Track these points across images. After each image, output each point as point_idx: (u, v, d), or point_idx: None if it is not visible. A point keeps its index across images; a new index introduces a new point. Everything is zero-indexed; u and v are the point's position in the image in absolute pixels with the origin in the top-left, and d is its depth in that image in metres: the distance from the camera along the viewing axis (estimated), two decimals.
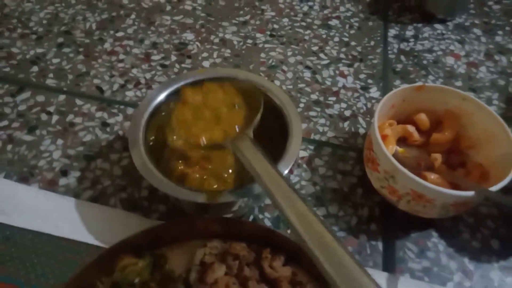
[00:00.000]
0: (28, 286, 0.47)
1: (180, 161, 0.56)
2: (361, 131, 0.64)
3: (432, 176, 0.53)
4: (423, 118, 0.58)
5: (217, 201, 0.45)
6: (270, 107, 0.54)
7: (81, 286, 0.44)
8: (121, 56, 0.72)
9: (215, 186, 0.49)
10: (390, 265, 0.50)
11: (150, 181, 0.46)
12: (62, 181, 0.56)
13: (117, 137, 0.61)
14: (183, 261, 0.48)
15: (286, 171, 0.47)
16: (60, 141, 0.60)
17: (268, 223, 0.54)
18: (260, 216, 0.54)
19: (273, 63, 0.73)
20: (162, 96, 0.53)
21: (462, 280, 0.49)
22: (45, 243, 0.50)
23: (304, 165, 0.59)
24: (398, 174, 0.48)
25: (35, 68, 0.70)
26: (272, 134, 0.53)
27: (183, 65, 0.72)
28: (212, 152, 0.57)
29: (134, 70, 0.70)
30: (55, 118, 0.63)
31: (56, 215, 0.52)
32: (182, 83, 0.54)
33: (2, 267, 0.48)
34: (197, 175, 0.55)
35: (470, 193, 0.45)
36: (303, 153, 0.61)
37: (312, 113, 0.66)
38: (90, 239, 0.50)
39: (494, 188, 0.46)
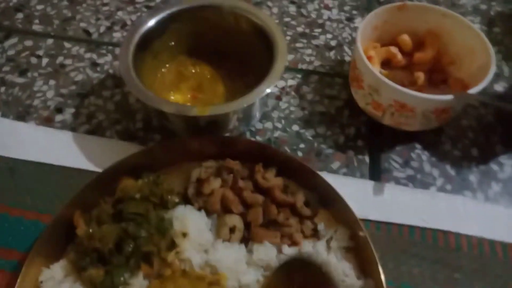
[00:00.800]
0: (35, 209, 0.49)
1: (171, 92, 0.58)
2: (347, 59, 0.66)
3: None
4: (405, 38, 0.59)
5: (207, 113, 0.46)
6: (256, 31, 0.55)
7: (84, 203, 0.46)
8: (106, 0, 0.72)
9: None
10: (376, 175, 0.53)
11: (141, 98, 0.47)
12: (58, 117, 0.57)
13: (108, 76, 0.62)
14: (180, 181, 0.51)
15: (269, 90, 0.49)
16: (52, 82, 0.61)
17: None
18: (252, 139, 0.56)
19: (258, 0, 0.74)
20: (151, 22, 0.54)
21: (444, 184, 0.53)
22: (47, 172, 0.52)
23: (293, 93, 0.61)
24: (381, 86, 0.50)
25: (20, 15, 0.69)
26: (261, 61, 0.54)
27: None
28: (203, 82, 0.59)
29: (120, 13, 0.71)
30: (45, 61, 0.64)
31: (56, 147, 0.54)
32: (168, 11, 0.55)
33: (8, 195, 0.50)
34: (189, 104, 0.57)
35: (449, 96, 0.47)
36: (291, 82, 0.63)
37: (298, 45, 0.67)
38: (90, 167, 0.52)
39: (472, 91, 0.48)
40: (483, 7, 0.73)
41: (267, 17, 0.55)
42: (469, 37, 0.55)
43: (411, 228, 0.49)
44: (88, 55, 0.64)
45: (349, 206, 0.45)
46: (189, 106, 0.48)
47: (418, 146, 0.56)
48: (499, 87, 0.62)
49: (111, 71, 0.63)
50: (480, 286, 0.46)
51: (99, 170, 0.52)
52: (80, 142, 0.54)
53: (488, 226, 0.49)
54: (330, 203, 0.48)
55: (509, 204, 0.51)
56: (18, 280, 0.41)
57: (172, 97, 0.56)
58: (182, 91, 0.58)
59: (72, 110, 0.58)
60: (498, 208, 0.51)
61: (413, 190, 0.52)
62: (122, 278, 0.41)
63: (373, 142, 0.56)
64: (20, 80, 0.61)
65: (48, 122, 0.57)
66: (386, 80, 0.49)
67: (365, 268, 0.44)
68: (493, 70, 0.50)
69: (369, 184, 0.52)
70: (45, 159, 0.53)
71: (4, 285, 0.44)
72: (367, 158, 0.55)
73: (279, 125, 0.58)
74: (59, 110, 0.58)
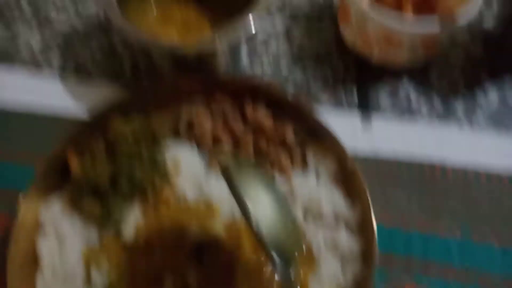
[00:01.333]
0: (27, 155, 0.50)
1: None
2: (336, 1, 0.65)
3: None
4: None
5: (195, 49, 0.46)
6: None
7: (76, 144, 0.47)
8: None
9: None
10: (364, 108, 0.54)
11: (128, 34, 0.47)
12: (45, 63, 0.57)
13: (94, 24, 0.61)
14: (170, 121, 0.51)
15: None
16: (35, 27, 0.60)
17: None
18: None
19: None
20: None
21: (430, 114, 0.54)
22: (35, 119, 0.52)
23: (281, 36, 0.60)
24: (368, 17, 0.50)
25: None
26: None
27: None
28: (190, 24, 0.58)
29: None
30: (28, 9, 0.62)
31: (43, 92, 0.54)
32: None
33: None
34: None
35: (435, 22, 0.47)
36: (279, 26, 0.62)
37: None
38: (79, 113, 0.52)
39: (461, 19, 0.48)
40: None
41: None
42: None
43: (398, 161, 0.50)
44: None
45: (337, 137, 0.46)
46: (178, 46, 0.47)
47: (405, 80, 0.56)
48: (487, 24, 0.62)
49: (96, 19, 0.61)
50: (464, 211, 0.48)
51: (87, 114, 0.52)
52: (68, 87, 0.54)
53: (473, 156, 0.50)
54: (319, 135, 0.49)
55: (494, 133, 0.53)
56: (18, 219, 0.42)
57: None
58: (168, 33, 0.57)
59: (58, 56, 0.57)
60: (483, 138, 0.52)
61: (400, 123, 0.53)
62: (118, 211, 0.42)
63: (362, 80, 0.56)
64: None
65: (34, 67, 0.56)
66: (374, 7, 0.49)
67: (353, 196, 0.45)
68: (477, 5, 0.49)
69: (357, 119, 0.53)
70: (33, 105, 0.53)
71: (2, 226, 0.46)
72: (355, 96, 0.55)
73: (268, 70, 0.57)
74: (45, 54, 0.57)
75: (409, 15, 0.56)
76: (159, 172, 0.45)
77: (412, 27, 0.48)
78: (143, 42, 0.47)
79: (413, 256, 0.45)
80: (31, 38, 0.59)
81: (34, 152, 0.50)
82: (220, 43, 0.47)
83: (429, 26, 0.48)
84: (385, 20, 0.48)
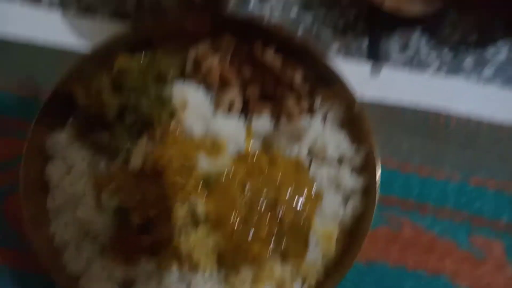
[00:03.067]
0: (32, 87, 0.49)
1: None
2: None
3: None
4: None
5: None
6: None
7: (81, 77, 0.46)
8: None
9: None
10: (374, 57, 0.53)
11: None
12: None
13: None
14: (176, 60, 0.50)
15: None
16: None
17: None
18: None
19: None
20: None
21: (439, 67, 0.53)
22: (38, 52, 0.51)
23: None
24: None
25: None
26: None
27: None
28: None
29: None
30: None
31: (45, 27, 0.52)
32: None
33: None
34: None
35: None
36: None
37: None
38: (82, 48, 0.51)
39: None
40: None
41: None
42: None
43: (404, 108, 0.50)
44: None
45: (346, 83, 0.46)
46: None
47: (417, 31, 0.55)
48: None
49: None
50: (463, 157, 0.49)
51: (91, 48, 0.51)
52: (70, 22, 0.53)
53: (478, 106, 0.51)
54: (327, 81, 0.48)
55: (499, 86, 0.53)
56: (26, 147, 0.42)
57: None
58: None
59: None
60: (488, 89, 0.52)
61: (409, 72, 0.53)
62: (125, 142, 0.42)
63: (373, 26, 0.55)
64: None
65: (35, 0, 0.54)
66: None
67: (359, 138, 0.46)
68: None
69: (366, 66, 0.52)
70: (35, 38, 0.51)
71: (11, 150, 0.46)
72: (366, 42, 0.54)
73: (277, 9, 0.56)
74: None
75: None
76: (166, 107, 0.45)
77: None
78: None
79: (410, 197, 0.47)
80: None
81: (37, 84, 0.50)
82: None
83: None
84: None
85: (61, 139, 0.43)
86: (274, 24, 0.53)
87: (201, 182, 0.40)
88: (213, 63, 0.48)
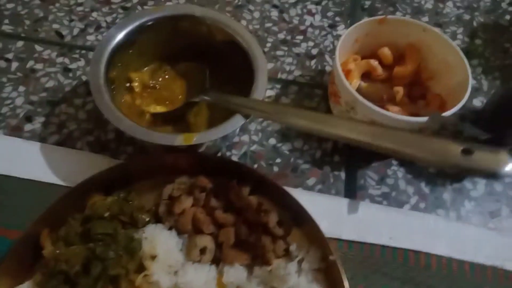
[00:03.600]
0: (1, 225, 0.48)
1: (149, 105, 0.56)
2: (328, 69, 0.65)
3: (394, 108, 0.55)
4: (386, 52, 0.58)
5: (192, 143, 0.45)
6: (235, 47, 0.53)
7: (53, 220, 0.45)
8: (80, 0, 0.69)
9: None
10: (351, 192, 0.53)
11: (122, 128, 0.46)
12: (27, 127, 0.55)
13: (80, 82, 0.60)
14: (152, 197, 0.50)
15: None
16: (22, 88, 0.59)
17: (235, 159, 0.55)
18: (228, 154, 0.56)
19: (240, 3, 0.71)
20: (120, 36, 0.52)
21: (418, 202, 0.53)
22: (14, 186, 0.51)
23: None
24: (357, 105, 0.49)
25: None
26: (239, 75, 0.53)
27: (145, 7, 0.69)
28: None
29: (94, 14, 0.68)
30: (14, 65, 0.61)
31: (24, 159, 0.52)
32: (138, 22, 0.53)
33: None
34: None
35: (424, 118, 0.47)
36: (270, 92, 0.61)
37: (279, 53, 0.66)
38: (59, 181, 0.51)
39: (448, 113, 0.48)
40: (466, 17, 0.73)
41: (242, 28, 0.53)
42: (448, 53, 0.54)
43: (383, 247, 0.49)
44: (60, 59, 0.62)
45: (319, 228, 0.45)
46: (173, 136, 0.46)
47: (394, 163, 0.56)
48: (478, 102, 0.62)
49: (83, 77, 0.60)
50: None
51: (69, 184, 0.50)
52: (49, 154, 0.53)
53: (458, 246, 0.49)
54: (302, 222, 0.47)
55: (480, 223, 0.52)
56: None
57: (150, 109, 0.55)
58: (158, 102, 0.56)
59: (42, 119, 0.56)
60: (469, 228, 0.51)
61: (387, 208, 0.52)
62: None
63: (350, 158, 0.56)
64: None
65: (16, 131, 0.55)
66: (362, 99, 0.48)
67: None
68: (468, 90, 0.50)
69: (344, 202, 0.52)
70: (12, 171, 0.51)
71: None
72: (343, 174, 0.54)
73: (255, 138, 0.57)
74: (28, 118, 0.56)
75: (399, 94, 0.57)
76: (134, 257, 0.43)
77: (400, 121, 0.48)
78: (136, 136, 0.46)
79: None
80: (16, 100, 0.57)
81: (8, 224, 0.48)
82: (209, 139, 0.46)
83: (417, 121, 0.48)
84: (374, 112, 0.48)
85: None
86: (250, 164, 0.54)
87: None
88: (187, 206, 0.47)
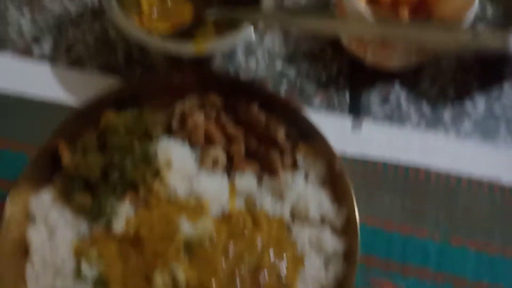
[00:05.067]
0: (19, 142, 0.50)
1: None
2: None
3: None
4: None
5: (205, 51, 0.46)
6: None
7: (68, 135, 0.47)
8: None
9: None
10: (355, 112, 0.55)
11: (136, 38, 0.46)
12: (36, 50, 0.56)
13: (86, 8, 0.59)
14: (163, 115, 0.51)
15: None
16: (27, 12, 0.58)
17: None
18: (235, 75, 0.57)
19: None
20: None
21: (419, 121, 0.55)
22: (27, 106, 0.52)
23: (277, 30, 0.60)
24: (363, 18, 0.50)
25: None
26: None
27: None
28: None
29: None
30: None
31: (35, 80, 0.53)
32: None
33: None
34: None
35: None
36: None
37: None
38: (70, 101, 0.52)
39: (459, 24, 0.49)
40: None
41: None
42: None
43: (385, 164, 0.52)
44: None
45: (327, 140, 0.47)
46: (184, 44, 0.46)
47: (397, 85, 0.57)
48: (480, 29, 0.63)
49: (89, 4, 0.60)
50: (444, 214, 0.50)
51: (79, 104, 0.51)
52: (61, 75, 0.53)
53: (456, 162, 0.52)
54: (309, 137, 0.49)
55: (478, 140, 0.54)
56: (8, 208, 0.42)
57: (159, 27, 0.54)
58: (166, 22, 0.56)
59: (50, 42, 0.56)
60: (467, 144, 0.53)
61: (389, 127, 0.54)
62: (109, 204, 0.43)
63: (354, 80, 0.57)
64: None
65: (25, 53, 0.55)
66: (366, 11, 0.49)
67: (340, 198, 0.47)
68: (473, 11, 0.50)
69: (348, 121, 0.54)
70: (25, 92, 0.52)
71: None
72: (347, 96, 0.56)
73: (262, 63, 0.58)
74: (36, 40, 0.56)
75: (404, 17, 0.57)
76: (150, 166, 0.46)
77: (406, 32, 0.49)
78: (140, 40, 0.46)
79: (392, 257, 0.47)
80: (22, 22, 0.57)
81: (24, 140, 0.50)
82: (220, 49, 0.47)
83: (424, 32, 0.49)
84: (380, 23, 0.49)
85: (45, 200, 0.44)
86: (258, 81, 0.55)
87: (183, 248, 0.40)
88: (199, 120, 0.49)
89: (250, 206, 0.46)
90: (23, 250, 0.42)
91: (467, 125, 0.55)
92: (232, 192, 0.46)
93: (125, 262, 0.39)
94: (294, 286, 0.41)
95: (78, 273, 0.39)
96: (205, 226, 0.42)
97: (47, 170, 0.46)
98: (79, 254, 0.40)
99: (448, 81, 0.58)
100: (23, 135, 0.50)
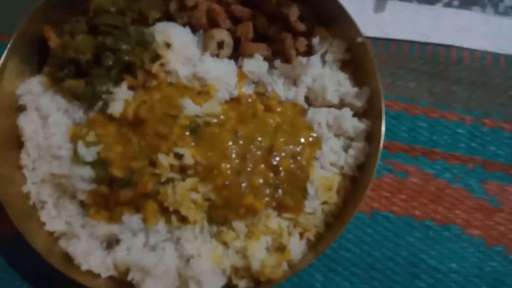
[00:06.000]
0: None
1: None
2: None
3: None
4: None
5: None
6: None
7: (50, 18, 0.41)
8: None
9: None
10: None
11: None
12: None
13: None
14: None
15: None
16: None
17: None
18: None
19: None
20: None
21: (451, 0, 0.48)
22: None
23: None
24: None
25: None
26: None
27: None
28: None
29: None
30: None
31: None
32: None
33: None
34: None
35: None
36: None
37: None
38: None
39: None
40: None
41: None
42: None
43: (412, 43, 0.46)
44: None
45: (349, 15, 0.41)
46: None
47: None
48: None
49: None
50: (477, 96, 0.45)
51: None
52: None
53: (494, 39, 0.46)
54: (328, 18, 0.43)
55: None
56: None
57: None
58: None
59: None
60: (507, 21, 0.47)
61: (417, 5, 0.47)
62: (104, 88, 0.38)
63: None
64: None
65: None
66: None
67: (361, 78, 0.41)
68: None
69: (370, 1, 0.47)
70: None
71: None
72: None
73: None
74: None
75: None
76: (148, 48, 0.40)
77: None
78: None
79: (418, 142, 0.43)
80: None
81: (4, 29, 0.45)
82: None
83: None
84: None
85: (34, 87, 0.39)
86: None
87: (188, 129, 0.36)
88: None
89: (261, 91, 0.41)
90: (16, 141, 0.39)
91: (506, 2, 0.48)
92: (240, 77, 0.41)
93: (126, 144, 0.36)
94: (310, 168, 0.37)
95: (75, 157, 0.36)
96: (212, 108, 0.37)
97: (33, 56, 0.41)
98: (76, 138, 0.37)
99: None
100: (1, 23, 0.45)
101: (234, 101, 0.39)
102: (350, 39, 0.42)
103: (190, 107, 0.37)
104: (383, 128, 0.38)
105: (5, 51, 0.39)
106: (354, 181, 0.39)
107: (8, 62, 0.39)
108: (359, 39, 0.40)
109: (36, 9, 0.40)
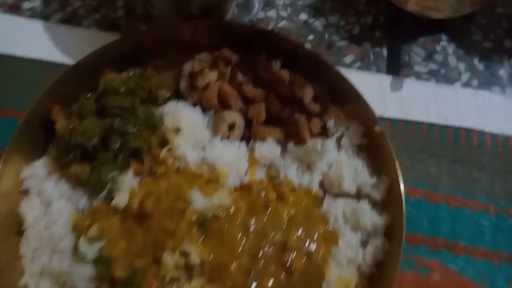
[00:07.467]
0: (9, 106, 0.44)
1: None
2: None
3: None
4: None
5: None
6: None
7: (62, 96, 0.40)
8: None
9: None
10: (394, 69, 0.47)
11: None
12: (26, 4, 0.49)
13: None
14: (170, 75, 0.44)
15: None
16: None
17: None
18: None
19: None
20: None
21: (470, 79, 0.47)
22: (18, 65, 0.46)
23: None
24: None
25: None
26: None
27: None
28: None
29: None
30: None
31: (25, 37, 0.47)
32: None
33: None
34: None
35: None
36: None
37: None
38: (65, 60, 0.46)
39: None
40: None
41: None
42: None
43: (431, 125, 0.44)
44: None
45: (364, 99, 0.40)
46: None
47: (444, 37, 0.49)
48: None
49: None
50: (501, 184, 0.42)
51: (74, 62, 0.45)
52: (53, 32, 0.47)
53: None
54: (342, 98, 0.42)
55: None
56: None
57: None
58: None
59: None
60: None
61: (435, 85, 0.46)
62: (110, 175, 0.37)
63: (393, 32, 0.49)
64: None
65: (15, 10, 0.49)
66: None
67: (379, 166, 0.40)
68: None
69: (387, 79, 0.46)
70: (15, 50, 0.46)
71: None
72: (385, 51, 0.48)
73: (284, 14, 0.50)
74: None
75: None
76: (156, 132, 0.39)
77: None
78: None
79: (439, 234, 0.40)
80: None
81: (16, 105, 0.44)
82: None
83: None
84: None
85: (38, 171, 0.38)
86: (279, 32, 0.47)
87: (196, 225, 0.34)
88: (211, 79, 0.42)
89: (273, 177, 0.39)
90: (17, 227, 0.37)
91: None
92: (251, 162, 0.39)
93: (130, 240, 0.34)
94: (326, 267, 0.35)
95: (77, 252, 0.34)
96: (222, 199, 0.35)
97: (40, 136, 0.40)
98: (77, 230, 0.35)
99: (504, 32, 0.49)
100: (14, 99, 0.44)
101: (245, 189, 0.37)
102: (366, 123, 0.40)
103: (198, 200, 0.35)
104: (404, 220, 0.35)
105: (16, 131, 0.38)
106: (373, 281, 0.36)
107: (15, 142, 0.38)
108: (377, 128, 0.39)
109: (50, 86, 0.40)
